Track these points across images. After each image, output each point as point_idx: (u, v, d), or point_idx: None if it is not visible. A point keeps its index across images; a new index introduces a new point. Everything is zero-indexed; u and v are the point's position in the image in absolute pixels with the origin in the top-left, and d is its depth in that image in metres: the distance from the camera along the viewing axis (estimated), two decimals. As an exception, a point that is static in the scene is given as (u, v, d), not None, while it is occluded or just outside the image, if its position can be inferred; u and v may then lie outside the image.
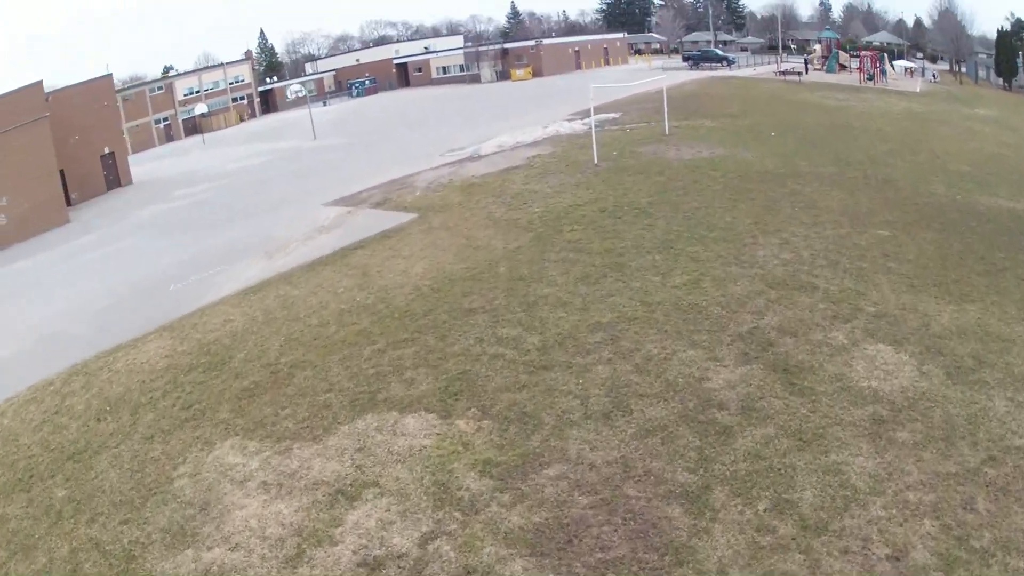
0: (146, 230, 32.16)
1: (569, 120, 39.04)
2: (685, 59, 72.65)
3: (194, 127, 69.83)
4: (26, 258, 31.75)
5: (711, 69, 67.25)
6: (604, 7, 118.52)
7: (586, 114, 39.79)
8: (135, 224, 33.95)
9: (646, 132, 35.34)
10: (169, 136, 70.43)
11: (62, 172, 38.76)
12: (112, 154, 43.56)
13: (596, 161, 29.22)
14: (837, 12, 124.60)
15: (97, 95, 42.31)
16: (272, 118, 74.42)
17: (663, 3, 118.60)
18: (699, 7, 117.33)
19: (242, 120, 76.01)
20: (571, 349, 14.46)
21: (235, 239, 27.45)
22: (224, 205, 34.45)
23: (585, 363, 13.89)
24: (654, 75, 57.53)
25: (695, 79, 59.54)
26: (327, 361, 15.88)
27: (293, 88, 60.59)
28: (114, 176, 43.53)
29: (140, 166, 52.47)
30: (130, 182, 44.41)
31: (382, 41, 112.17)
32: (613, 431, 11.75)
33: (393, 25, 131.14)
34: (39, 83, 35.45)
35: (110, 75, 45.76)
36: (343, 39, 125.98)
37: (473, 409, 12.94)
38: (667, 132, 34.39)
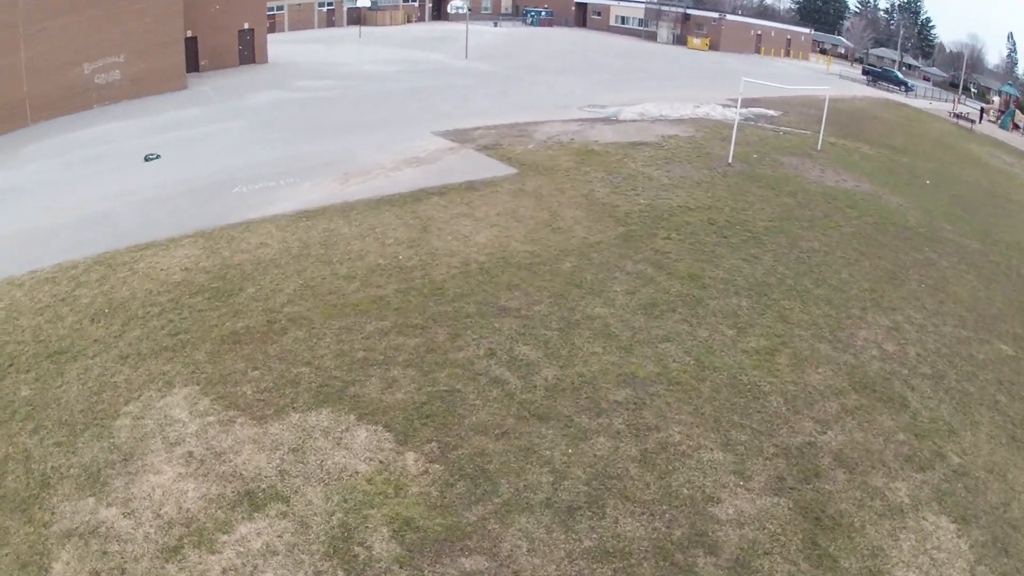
0: (248, 118, 32.35)
1: (725, 105, 35.94)
2: (865, 72, 71.00)
3: (358, 18, 70.40)
4: (122, 120, 32.91)
5: (887, 90, 63.65)
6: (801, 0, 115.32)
7: (745, 103, 37.26)
8: (242, 108, 34.31)
9: (797, 141, 32.04)
10: (331, 21, 71.56)
11: (195, 39, 39.64)
12: (251, 31, 44.33)
13: (730, 160, 26.41)
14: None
15: None
16: (438, 26, 74.04)
17: (858, 10, 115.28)
18: (891, 23, 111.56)
19: (409, 21, 76.07)
20: (583, 402, 12.62)
21: (326, 151, 26.93)
22: (337, 109, 34.16)
23: (588, 427, 12.05)
24: (828, 80, 54.58)
25: (868, 96, 55.72)
26: (326, 326, 14.93)
27: (455, 3, 59.27)
28: (249, 52, 44.35)
29: (286, 46, 53.53)
30: (265, 61, 45.16)
31: None
32: (567, 537, 9.92)
33: None
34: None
35: (260, -50, 45.95)
36: None
37: (434, 444, 11.45)
38: (819, 147, 31.26)
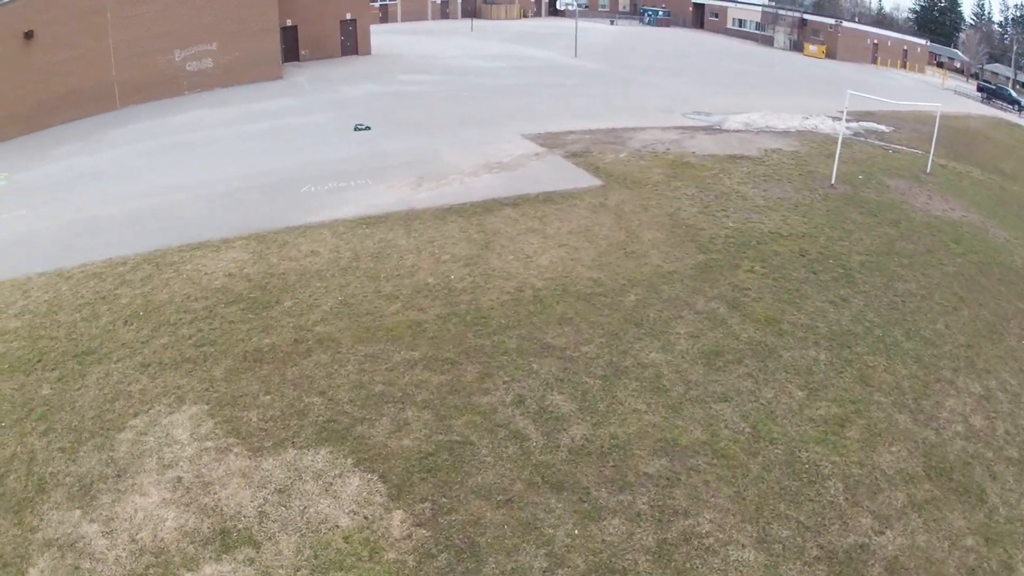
0: (337, 112, 32.61)
1: (835, 118, 33.61)
2: (979, 89, 67.74)
3: (472, 10, 70.87)
4: (210, 108, 33.97)
5: (1000, 108, 60.36)
6: (918, 8, 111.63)
7: (857, 117, 34.92)
8: (334, 101, 34.67)
9: (906, 161, 29.58)
10: (444, 13, 72.43)
11: (295, 28, 40.43)
12: (353, 21, 44.99)
13: (833, 180, 24.53)
14: None
15: None
16: (553, 22, 73.76)
17: (973, 23, 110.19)
18: (1006, 38, 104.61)
19: (524, 16, 76.06)
20: (607, 471, 11.60)
21: (408, 149, 26.75)
22: (431, 105, 34.04)
23: (605, 504, 11.04)
24: (942, 96, 51.64)
25: (981, 114, 51.74)
26: (352, 351, 14.58)
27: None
28: (352, 43, 45.02)
29: (395, 37, 54.30)
30: (368, 52, 45.74)
31: None
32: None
33: None
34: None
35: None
36: None
37: (428, 504, 10.74)
38: (928, 170, 28.83)
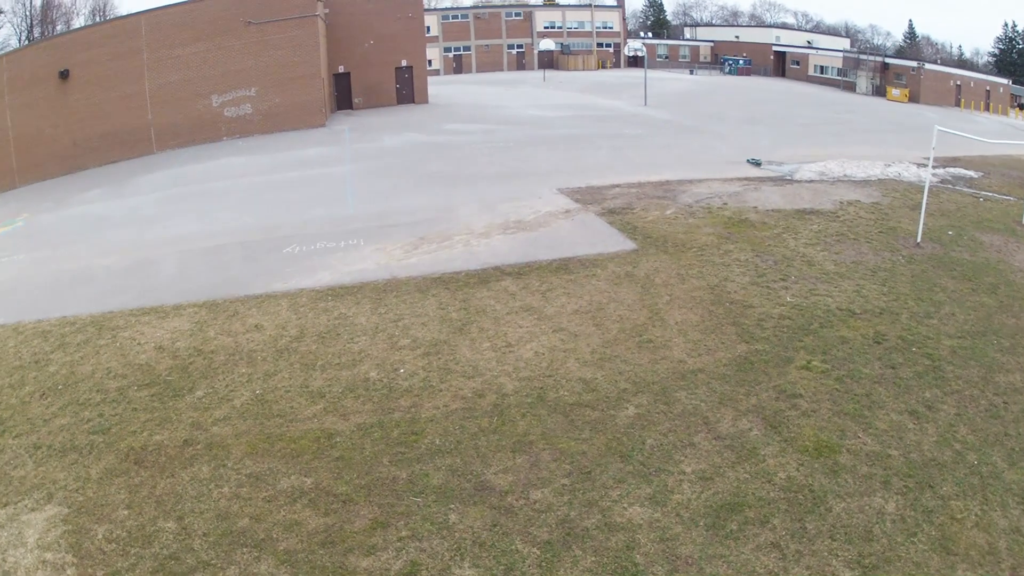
0: (367, 163, 29.41)
1: (919, 165, 28.29)
2: None
3: (550, 62, 67.96)
4: (243, 155, 31.42)
5: None
6: (997, 52, 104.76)
7: (943, 163, 29.79)
8: (369, 151, 31.50)
9: (999, 210, 23.90)
10: (521, 64, 69.88)
11: (348, 75, 37.69)
12: (409, 68, 42.03)
13: (919, 239, 19.34)
14: None
15: (402, 5, 40.55)
16: (631, 72, 69.81)
17: None
18: None
19: (602, 67, 72.52)
20: None
21: (423, 206, 23.10)
22: (469, 157, 30.39)
23: None
24: None
25: None
26: (238, 466, 10.96)
27: (633, 45, 54.86)
28: (408, 91, 42.10)
29: (459, 87, 51.56)
30: (425, 101, 42.67)
31: (764, 23, 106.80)
32: None
33: (789, 12, 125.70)
34: (309, -21, 34.07)
35: (418, -11, 43.49)
36: (734, 13, 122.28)
37: None
38: None
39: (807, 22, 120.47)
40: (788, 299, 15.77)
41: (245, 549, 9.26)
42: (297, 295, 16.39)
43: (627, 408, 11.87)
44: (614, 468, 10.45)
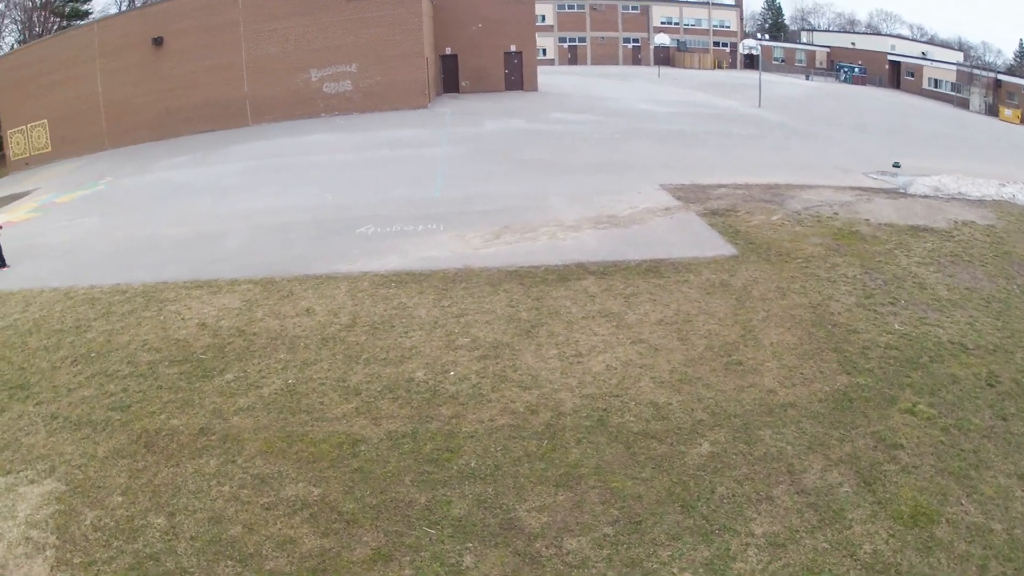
0: (463, 146, 28.07)
1: None
2: None
3: (665, 58, 65.36)
4: (338, 132, 30.71)
5: None
6: None
7: None
8: (467, 135, 30.16)
9: None
10: (636, 59, 67.59)
11: (455, 57, 36.52)
12: (519, 54, 40.37)
13: None
14: None
15: None
16: (747, 74, 66.29)
17: None
18: None
19: (718, 67, 69.33)
20: None
21: (511, 194, 21.56)
22: (571, 146, 28.59)
23: None
24: None
25: None
26: (247, 466, 9.83)
27: (748, 43, 51.62)
28: (516, 78, 40.55)
29: (571, 78, 49.72)
30: (534, 89, 41.04)
31: (880, 32, 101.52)
32: None
33: (904, 24, 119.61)
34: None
35: (530, -29, 41.58)
36: (851, 21, 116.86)
37: None
38: None
39: (921, 35, 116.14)
40: (896, 326, 13.32)
41: (229, 562, 8.00)
42: (359, 279, 15.11)
43: (700, 444, 9.90)
44: (671, 520, 8.54)
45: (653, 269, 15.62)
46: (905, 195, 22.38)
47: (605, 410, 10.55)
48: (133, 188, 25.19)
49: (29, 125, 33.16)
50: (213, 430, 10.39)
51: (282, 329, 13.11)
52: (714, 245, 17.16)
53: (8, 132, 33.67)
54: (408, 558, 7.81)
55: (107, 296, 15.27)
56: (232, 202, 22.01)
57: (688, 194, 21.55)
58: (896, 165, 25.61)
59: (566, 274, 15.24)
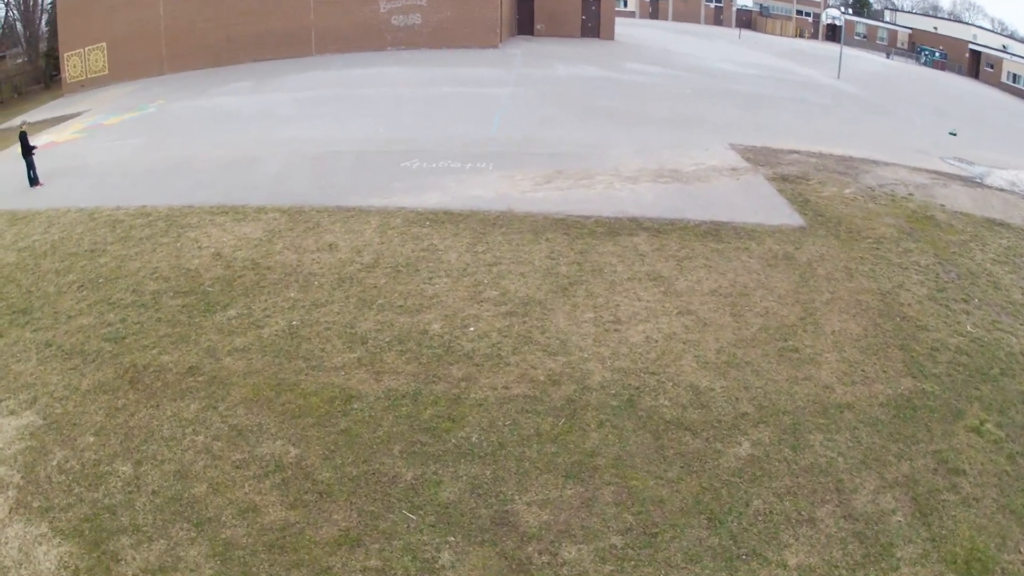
0: (530, 88, 26.18)
1: None
2: None
3: (747, 21, 61.75)
4: (402, 65, 29.04)
5: None
6: None
7: None
8: (536, 78, 28.22)
9: None
10: (718, 20, 63.99)
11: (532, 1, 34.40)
12: (598, 1, 37.70)
13: None
14: None
15: None
16: (828, 46, 62.06)
17: None
18: None
19: (800, 36, 65.39)
20: None
21: (573, 140, 19.81)
22: (642, 98, 26.45)
23: None
24: None
25: None
26: (227, 414, 8.77)
27: (831, 13, 47.64)
28: (594, 25, 38.03)
29: (651, 31, 46.99)
30: (610, 38, 38.48)
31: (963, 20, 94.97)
32: None
33: (987, 17, 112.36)
34: None
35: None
36: (934, 7, 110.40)
37: None
38: None
39: (1002, 30, 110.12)
40: (969, 328, 11.36)
41: (185, 525, 6.95)
42: (392, 215, 13.75)
43: (740, 444, 8.32)
44: (692, 535, 7.05)
45: (712, 232, 13.86)
46: (981, 185, 20.02)
47: (637, 389, 9.03)
48: (183, 113, 24.28)
49: (87, 48, 32.56)
50: (202, 370, 9.30)
51: (299, 264, 11.90)
52: (781, 213, 15.24)
53: (66, 54, 33.13)
54: (378, 546, 6.56)
55: (130, 219, 14.41)
56: (280, 130, 20.83)
57: (758, 156, 19.48)
58: (952, 133, 23.58)
59: (617, 228, 13.60)
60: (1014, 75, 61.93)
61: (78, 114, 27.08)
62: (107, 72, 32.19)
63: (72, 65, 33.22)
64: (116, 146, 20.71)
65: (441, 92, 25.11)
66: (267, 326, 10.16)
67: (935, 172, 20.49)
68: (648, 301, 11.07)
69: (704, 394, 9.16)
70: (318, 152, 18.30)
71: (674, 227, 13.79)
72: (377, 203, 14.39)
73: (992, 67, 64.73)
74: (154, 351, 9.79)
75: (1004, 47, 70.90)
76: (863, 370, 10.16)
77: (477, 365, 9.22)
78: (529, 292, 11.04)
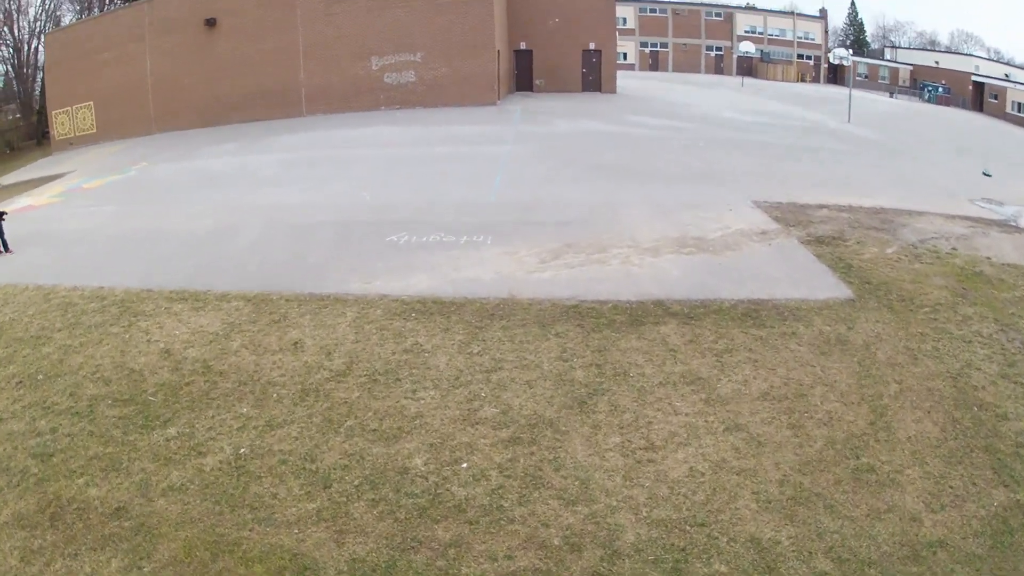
0: (530, 145, 24.28)
1: None
2: None
3: (748, 68, 60.80)
4: (395, 125, 27.30)
5: None
6: None
7: None
8: (536, 135, 26.41)
9: None
10: (719, 68, 63.07)
11: (530, 53, 32.83)
12: (598, 52, 36.11)
13: None
14: None
15: None
16: (831, 89, 61.35)
17: None
18: None
19: (802, 80, 64.56)
20: None
21: (580, 201, 17.81)
22: (650, 152, 24.51)
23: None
24: None
25: None
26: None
27: (838, 53, 46.51)
28: (595, 78, 36.37)
29: (651, 82, 45.66)
30: (612, 90, 36.84)
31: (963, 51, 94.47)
32: None
33: (984, 47, 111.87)
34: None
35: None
36: (932, 41, 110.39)
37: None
38: None
39: (999, 58, 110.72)
40: None
41: None
42: (372, 304, 11.60)
43: None
44: None
45: (752, 313, 11.70)
46: (1017, 229, 18.23)
47: (684, 551, 6.74)
48: (163, 176, 22.77)
49: (75, 106, 31.22)
50: (130, 512, 7.25)
51: (256, 369, 9.73)
52: (825, 284, 13.14)
53: (53, 112, 31.73)
54: None
55: (84, 302, 12.57)
56: (261, 196, 18.98)
57: (787, 215, 17.44)
58: (987, 174, 22.80)
59: (640, 315, 11.44)
60: (1019, 104, 61.14)
61: (62, 175, 25.83)
62: (95, 131, 30.72)
63: (60, 123, 31.80)
64: (91, 213, 19.18)
65: (435, 152, 23.25)
66: (210, 453, 7.97)
67: (970, 219, 18.76)
68: (687, 414, 8.84)
69: (769, 550, 6.89)
70: (298, 222, 16.30)
71: (707, 310, 11.63)
72: (356, 288, 12.25)
73: (996, 98, 64.10)
74: (81, 480, 7.76)
75: (1007, 75, 70.02)
76: (951, 486, 8.19)
77: (471, 523, 6.94)
78: (537, 408, 8.80)
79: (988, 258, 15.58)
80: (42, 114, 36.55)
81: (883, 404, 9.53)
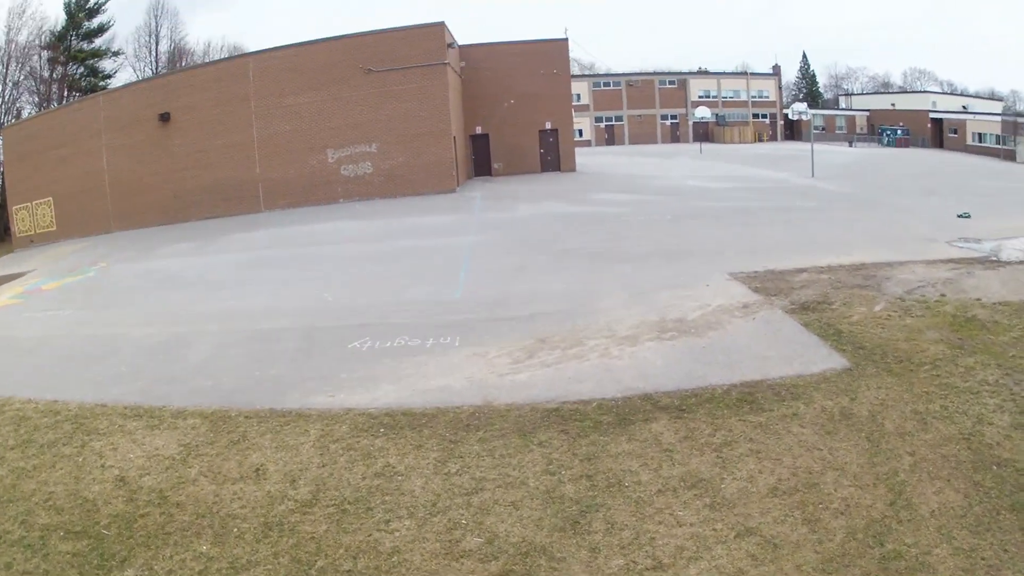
0: (492, 234, 24.07)
1: None
2: None
3: (705, 134, 62.35)
4: (352, 219, 27.03)
5: None
6: None
7: None
8: (499, 221, 26.24)
9: None
10: (675, 136, 64.56)
11: (486, 137, 32.99)
12: (555, 132, 36.51)
13: None
14: None
15: (546, 59, 35.11)
16: (790, 145, 63.21)
17: None
18: None
19: (759, 140, 66.26)
20: None
21: (550, 291, 17.32)
22: (617, 231, 24.35)
23: None
24: None
25: None
26: None
27: (797, 108, 47.81)
28: (553, 157, 36.68)
29: (609, 157, 46.37)
30: (572, 169, 37.13)
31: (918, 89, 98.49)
32: None
33: (938, 81, 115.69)
34: (440, 24, 29.14)
35: (565, 39, 36.80)
36: (885, 84, 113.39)
37: None
38: None
39: (954, 90, 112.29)
40: None
41: None
42: (337, 419, 10.76)
43: None
44: None
45: (747, 398, 11.10)
46: (1001, 263, 18.48)
47: None
48: (122, 277, 22.42)
49: (35, 203, 30.60)
50: None
51: (216, 500, 8.82)
52: (817, 355, 12.66)
53: (13, 208, 31.14)
54: None
55: (38, 416, 11.88)
56: (218, 300, 18.33)
57: (766, 284, 17.10)
58: (965, 216, 23.34)
59: (627, 412, 10.74)
60: (979, 135, 63.11)
61: (23, 274, 25.51)
62: (55, 228, 30.06)
63: (21, 219, 31.15)
64: (49, 317, 18.69)
65: (397, 247, 22.78)
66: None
67: (952, 260, 18.88)
68: (692, 524, 8.08)
69: None
70: (255, 329, 15.52)
71: (699, 400, 10.99)
72: (319, 403, 11.41)
73: (956, 132, 66.04)
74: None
75: (964, 107, 72.19)
76: (982, 558, 7.75)
77: None
78: (527, 534, 7.96)
79: (978, 299, 15.40)
80: (4, 209, 35.82)
81: (900, 480, 8.96)
